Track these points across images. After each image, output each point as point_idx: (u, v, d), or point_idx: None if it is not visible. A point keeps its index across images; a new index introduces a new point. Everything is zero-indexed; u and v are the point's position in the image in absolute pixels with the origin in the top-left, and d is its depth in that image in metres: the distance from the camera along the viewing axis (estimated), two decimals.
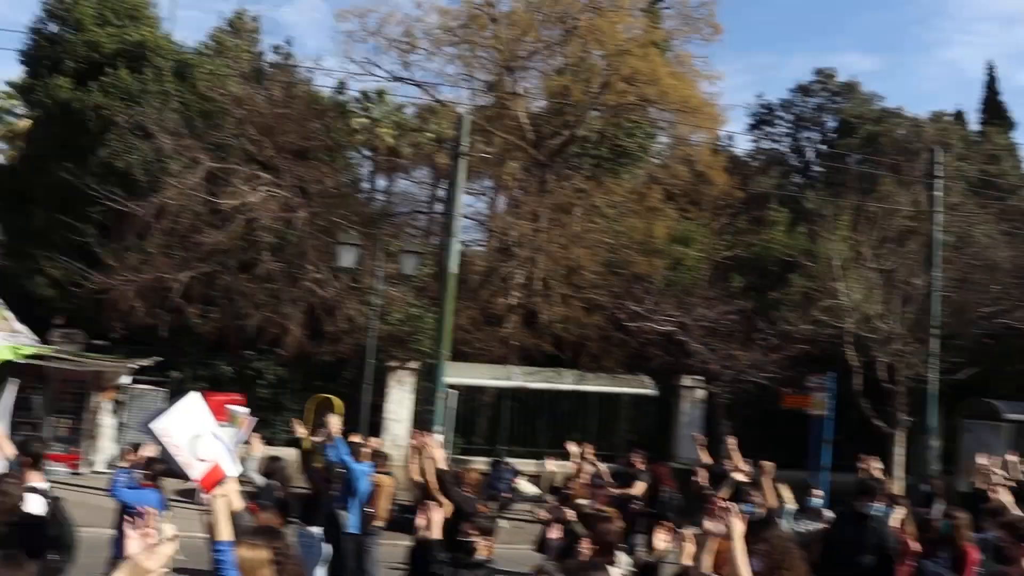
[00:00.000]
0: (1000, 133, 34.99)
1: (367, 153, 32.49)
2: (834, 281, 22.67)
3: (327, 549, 9.83)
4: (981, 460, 11.22)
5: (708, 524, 5.85)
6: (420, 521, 6.85)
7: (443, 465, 8.71)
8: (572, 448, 13.74)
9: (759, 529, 7.11)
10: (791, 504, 11.62)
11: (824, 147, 35.80)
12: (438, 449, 8.71)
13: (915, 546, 9.63)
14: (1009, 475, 11.27)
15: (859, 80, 37.78)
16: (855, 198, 24.91)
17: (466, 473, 9.59)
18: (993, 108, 37.79)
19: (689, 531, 7.09)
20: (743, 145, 36.13)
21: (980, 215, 27.18)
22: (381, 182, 34.36)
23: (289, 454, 12.18)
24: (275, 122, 23.60)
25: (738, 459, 11.69)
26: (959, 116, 36.56)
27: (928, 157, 24.01)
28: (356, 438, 11.63)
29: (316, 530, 9.88)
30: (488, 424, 24.80)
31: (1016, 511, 9.48)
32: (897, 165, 27.61)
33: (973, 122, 37.08)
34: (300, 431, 10.97)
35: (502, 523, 18.85)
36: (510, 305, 24.72)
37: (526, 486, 20.36)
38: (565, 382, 23.78)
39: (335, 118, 27.08)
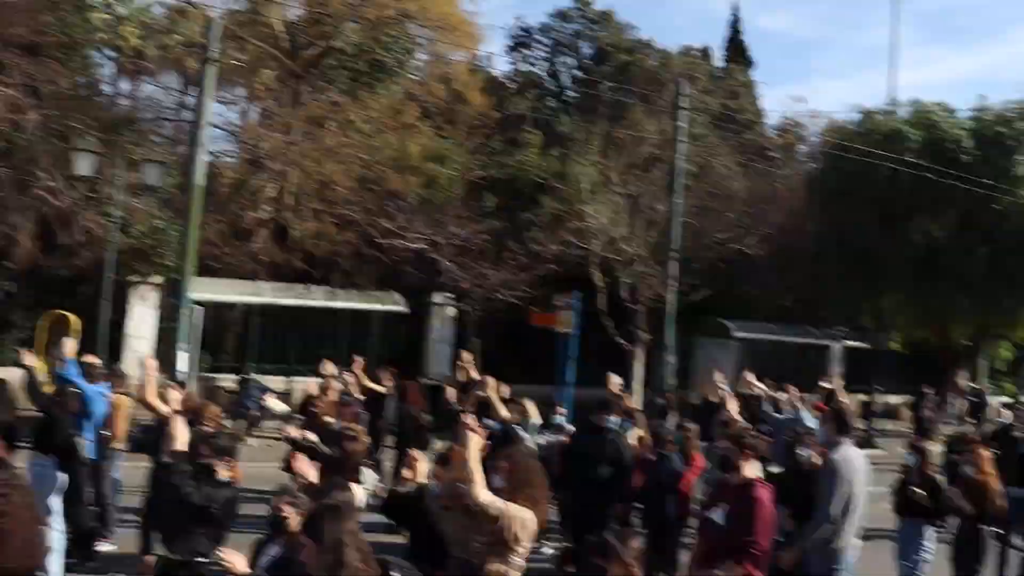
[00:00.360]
0: (741, 71, 36.97)
1: (109, 54, 30.37)
2: (582, 204, 23.40)
3: (62, 477, 9.36)
4: (717, 376, 12.01)
5: (459, 437, 5.97)
6: (167, 441, 6.64)
7: (176, 404, 8.46)
8: (327, 366, 13.64)
9: (501, 445, 7.34)
10: (536, 419, 12.02)
11: (579, 73, 36.62)
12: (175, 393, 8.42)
13: (649, 456, 10.25)
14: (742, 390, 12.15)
15: (615, 9, 38.79)
16: (606, 124, 25.68)
17: (206, 407, 9.32)
18: (736, 47, 39.78)
19: (429, 450, 7.23)
20: (501, 66, 36.40)
21: (720, 147, 28.72)
22: (124, 86, 32.32)
23: (17, 376, 11.45)
24: (0, 13, 21.64)
25: (474, 373, 11.98)
26: (705, 52, 38.15)
27: (675, 89, 25.07)
28: (91, 358, 11.05)
29: (49, 457, 9.38)
30: (237, 341, 24.26)
31: (742, 422, 10.25)
32: (646, 95, 28.63)
33: (718, 59, 38.88)
34: (29, 360, 10.28)
35: (252, 442, 18.62)
36: (260, 219, 24.06)
37: (276, 404, 20.08)
38: (316, 298, 23.50)
39: (72, 13, 25.09)
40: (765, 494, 6.72)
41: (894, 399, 29.93)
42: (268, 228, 24.12)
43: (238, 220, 23.80)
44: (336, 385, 12.37)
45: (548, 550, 11.34)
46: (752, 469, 6.99)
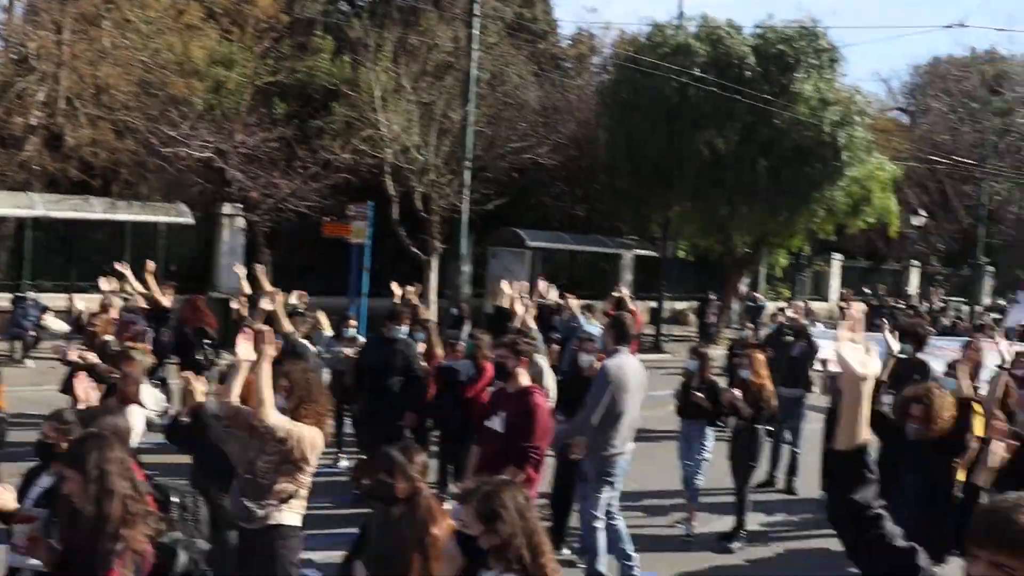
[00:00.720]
0: None
1: None
2: (375, 111, 23.02)
3: None
4: (504, 284, 12.13)
5: (239, 351, 5.79)
6: None
7: None
8: (104, 283, 13.01)
9: (285, 359, 7.21)
10: (327, 331, 11.88)
11: None
12: None
13: (440, 366, 10.30)
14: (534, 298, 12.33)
15: None
16: (398, 30, 25.21)
17: None
18: None
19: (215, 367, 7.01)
20: None
21: (513, 56, 28.74)
22: None
23: None
24: None
25: (267, 286, 11.71)
26: None
27: None
28: None
29: None
30: (10, 257, 22.81)
31: (533, 330, 10.43)
32: (440, 1, 28.20)
33: None
34: None
35: (30, 364, 17.67)
36: (30, 126, 22.44)
37: (55, 323, 19.09)
38: (95, 211, 22.26)
39: None
40: (541, 400, 6.90)
41: (681, 305, 31.31)
42: (39, 135, 22.54)
43: (6, 126, 22.15)
44: (117, 302, 11.83)
45: (344, 463, 11.34)
46: (527, 376, 7.12)
